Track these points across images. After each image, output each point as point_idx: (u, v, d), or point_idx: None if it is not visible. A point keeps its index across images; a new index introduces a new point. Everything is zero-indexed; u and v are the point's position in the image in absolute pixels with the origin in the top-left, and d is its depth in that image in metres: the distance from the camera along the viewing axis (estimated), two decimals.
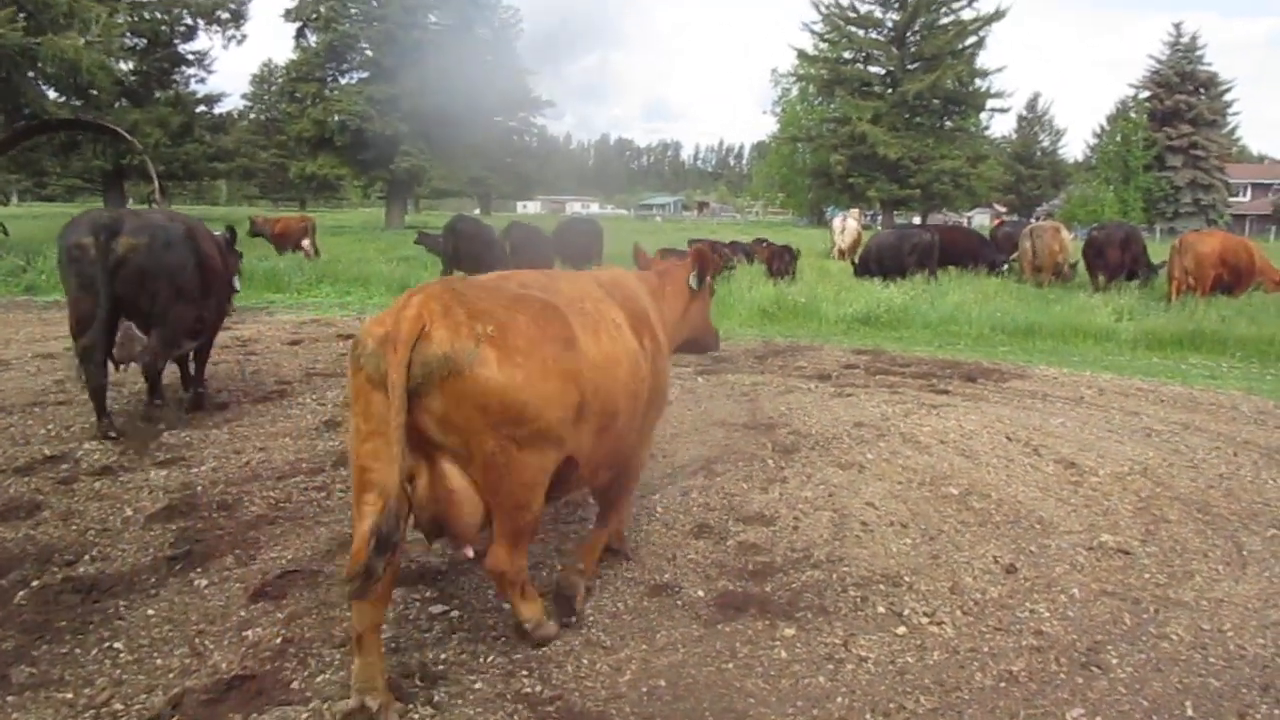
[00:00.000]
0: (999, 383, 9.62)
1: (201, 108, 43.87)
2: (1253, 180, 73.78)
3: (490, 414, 3.12)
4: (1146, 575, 4.68)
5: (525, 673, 3.56)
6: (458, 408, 3.09)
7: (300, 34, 46.46)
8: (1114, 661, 3.79)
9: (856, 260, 20.72)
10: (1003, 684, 3.60)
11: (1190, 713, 3.42)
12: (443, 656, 3.67)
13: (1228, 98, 65.77)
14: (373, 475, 3.03)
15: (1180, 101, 63.12)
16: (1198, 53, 64.76)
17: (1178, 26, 65.46)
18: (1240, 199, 69.95)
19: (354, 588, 2.89)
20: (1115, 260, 18.39)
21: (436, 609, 4.08)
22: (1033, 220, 46.59)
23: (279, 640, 3.76)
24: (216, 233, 7.95)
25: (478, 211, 58.97)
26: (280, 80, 49.26)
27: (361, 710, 3.09)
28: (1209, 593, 4.49)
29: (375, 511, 2.97)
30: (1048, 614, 4.22)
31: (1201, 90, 64.29)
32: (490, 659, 3.66)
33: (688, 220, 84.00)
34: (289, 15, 45.74)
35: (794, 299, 14.71)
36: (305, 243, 22.73)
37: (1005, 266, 20.35)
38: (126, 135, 15.63)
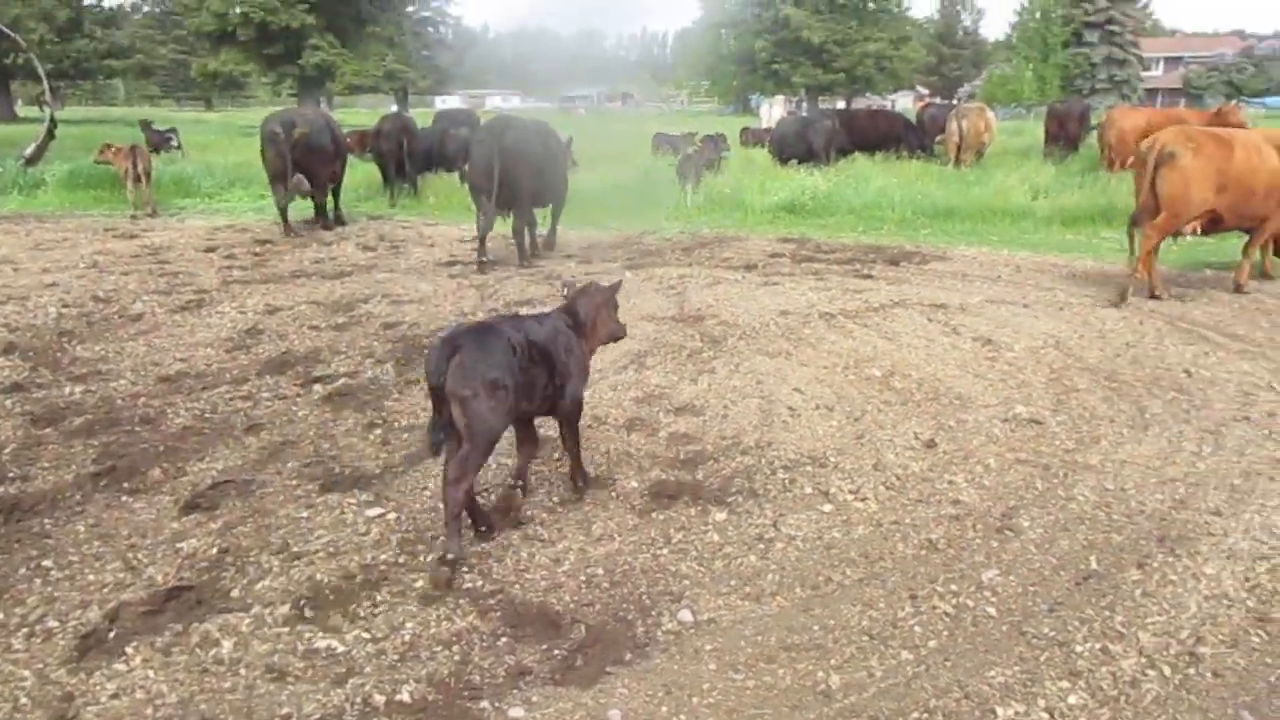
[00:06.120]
0: (920, 265, 9.81)
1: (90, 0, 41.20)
2: (1165, 54, 74.59)
3: (1183, 177, 7.58)
4: (1057, 442, 4.92)
5: (466, 569, 3.63)
6: (1169, 173, 7.61)
7: None
8: (1026, 524, 4.01)
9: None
10: (923, 552, 3.80)
11: (1095, 566, 3.66)
12: (382, 558, 3.72)
13: None
14: (1142, 200, 7.89)
15: None
16: None
17: None
18: (1153, 73, 70.75)
19: None
20: (1074, 132, 19.76)
21: (373, 512, 4.11)
22: (955, 102, 46.75)
23: (215, 550, 3.77)
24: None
25: (395, 108, 56.96)
26: None
27: None
28: (1114, 455, 4.75)
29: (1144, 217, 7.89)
30: (965, 484, 4.43)
31: None
32: (430, 558, 3.72)
33: (612, 112, 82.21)
34: None
35: (720, 189, 14.65)
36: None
37: (932, 149, 20.49)
38: (7, 31, 14.62)
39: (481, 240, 9.68)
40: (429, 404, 5.45)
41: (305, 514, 4.11)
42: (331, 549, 3.79)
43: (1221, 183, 7.63)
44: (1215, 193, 7.64)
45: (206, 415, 5.34)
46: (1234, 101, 26.78)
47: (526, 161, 9.49)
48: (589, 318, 4.16)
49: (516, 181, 9.39)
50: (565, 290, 4.37)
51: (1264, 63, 68.36)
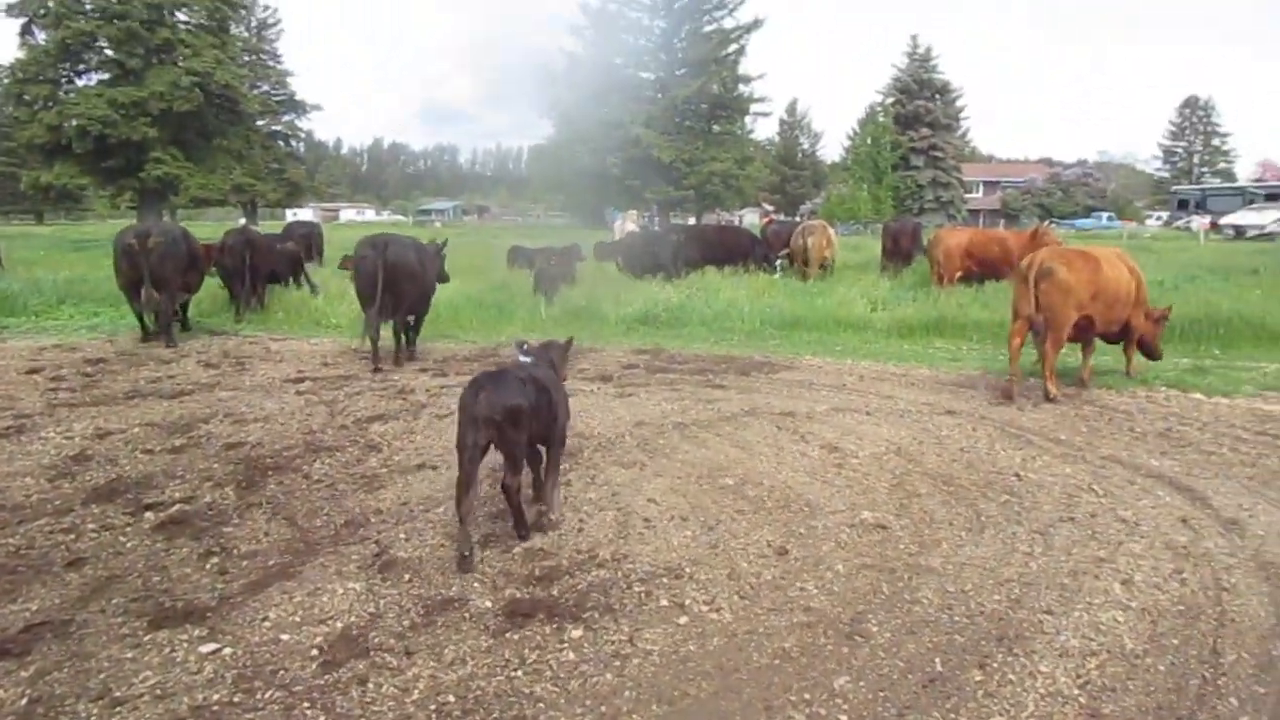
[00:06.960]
0: (770, 374, 10.16)
1: None
2: (984, 178, 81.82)
3: (1059, 291, 8.54)
4: (901, 546, 5.11)
5: (307, 705, 3.43)
6: (1049, 287, 8.54)
7: (26, 30, 42.21)
8: (874, 629, 4.12)
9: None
10: (777, 661, 3.84)
11: (940, 668, 3.78)
12: (215, 698, 3.47)
13: (960, 103, 72.46)
14: (1020, 311, 8.77)
15: (920, 106, 68.95)
16: (932, 62, 71.06)
17: (914, 38, 71.71)
18: (974, 195, 77.35)
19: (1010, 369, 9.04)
20: (907, 249, 20.97)
21: (207, 648, 3.85)
22: (799, 218, 49.44)
23: (24, 701, 3.44)
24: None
25: (243, 221, 55.68)
26: (5, 82, 44.53)
27: None
28: (954, 557, 4.96)
29: (1021, 325, 8.78)
30: (816, 590, 4.52)
31: (938, 96, 70.46)
32: (269, 694, 3.50)
33: (469, 224, 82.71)
34: (11, 10, 41.41)
35: (576, 301, 14.87)
36: None
37: (779, 263, 21.48)
38: None
39: (373, 343, 10.51)
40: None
41: (130, 654, 3.81)
42: (159, 691, 3.52)
43: (1094, 292, 8.77)
44: (1091, 300, 8.79)
45: (22, 551, 4.92)
46: (1047, 223, 29.44)
47: (406, 274, 10.37)
48: (560, 362, 5.61)
49: (397, 292, 10.31)
50: (523, 348, 5.56)
51: (1070, 188, 75.65)
